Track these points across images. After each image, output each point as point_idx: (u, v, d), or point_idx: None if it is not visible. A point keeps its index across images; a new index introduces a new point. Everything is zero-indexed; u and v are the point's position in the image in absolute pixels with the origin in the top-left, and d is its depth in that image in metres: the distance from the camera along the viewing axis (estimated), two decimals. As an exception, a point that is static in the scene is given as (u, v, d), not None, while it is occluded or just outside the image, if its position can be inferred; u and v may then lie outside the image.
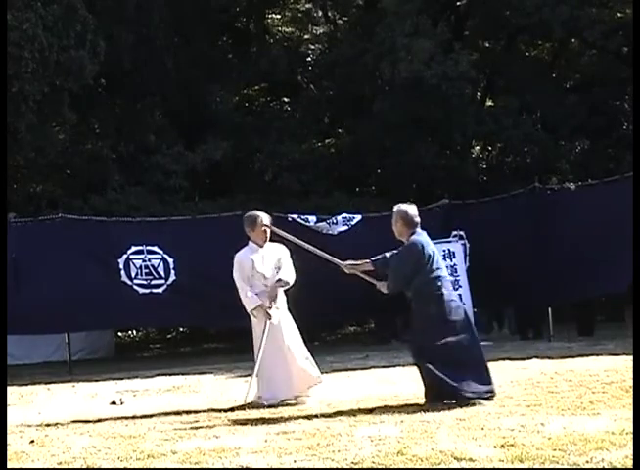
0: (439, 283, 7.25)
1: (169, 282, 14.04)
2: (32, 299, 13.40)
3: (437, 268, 7.33)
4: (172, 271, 14.02)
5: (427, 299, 7.22)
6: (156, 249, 13.99)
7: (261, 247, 8.16)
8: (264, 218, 8.19)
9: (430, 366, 7.08)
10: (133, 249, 13.97)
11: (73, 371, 13.27)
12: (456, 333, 7.17)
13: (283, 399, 7.83)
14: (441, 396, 7.03)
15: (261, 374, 7.97)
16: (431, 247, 7.38)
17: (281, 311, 8.12)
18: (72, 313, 13.59)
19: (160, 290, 14.03)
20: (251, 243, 8.23)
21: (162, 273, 14.05)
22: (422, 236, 7.43)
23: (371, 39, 19.06)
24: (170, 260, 14.03)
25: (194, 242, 14.13)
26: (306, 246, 8.07)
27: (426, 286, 7.24)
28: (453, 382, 6.97)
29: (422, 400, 7.32)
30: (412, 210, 7.47)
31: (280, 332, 7.99)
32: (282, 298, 8.18)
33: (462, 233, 14.96)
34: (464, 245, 14.85)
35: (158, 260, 14.02)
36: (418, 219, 7.45)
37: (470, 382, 7.03)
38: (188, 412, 7.48)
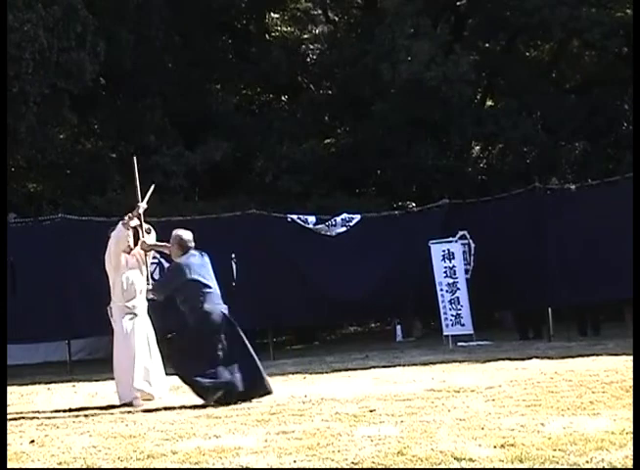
0: (202, 297, 8.20)
1: None
2: (31, 301, 13.36)
3: (204, 284, 8.25)
4: None
5: (190, 310, 8.25)
6: (152, 253, 13.87)
7: None
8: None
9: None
10: None
11: (73, 371, 13.26)
12: (215, 340, 8.13)
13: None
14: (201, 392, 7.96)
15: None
16: (199, 266, 8.29)
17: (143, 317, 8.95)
18: (72, 318, 13.54)
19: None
20: None
21: (158, 277, 13.94)
22: (193, 258, 8.34)
23: (371, 40, 19.04)
24: (167, 265, 13.86)
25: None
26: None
27: (190, 299, 8.24)
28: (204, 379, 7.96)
29: (422, 400, 7.33)
30: (187, 235, 8.51)
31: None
32: (144, 304, 8.90)
33: (466, 233, 14.99)
34: (468, 245, 14.87)
35: (154, 266, 13.87)
36: (192, 244, 8.44)
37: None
38: (188, 412, 7.48)
